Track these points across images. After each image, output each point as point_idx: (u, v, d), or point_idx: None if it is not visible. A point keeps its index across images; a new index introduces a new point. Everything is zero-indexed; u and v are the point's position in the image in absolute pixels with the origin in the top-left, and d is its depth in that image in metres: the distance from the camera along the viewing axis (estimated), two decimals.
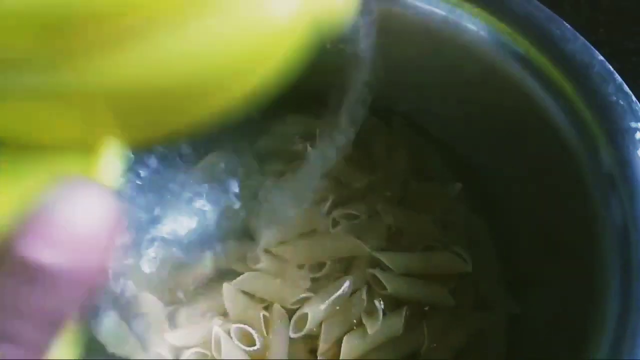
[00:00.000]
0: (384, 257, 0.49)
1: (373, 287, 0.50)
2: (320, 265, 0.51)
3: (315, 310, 0.48)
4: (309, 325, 0.47)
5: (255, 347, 0.47)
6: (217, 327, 0.46)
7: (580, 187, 0.43)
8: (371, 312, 0.49)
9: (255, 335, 0.48)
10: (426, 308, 0.51)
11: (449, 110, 0.55)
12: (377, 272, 0.49)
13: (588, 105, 0.42)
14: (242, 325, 0.48)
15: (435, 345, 0.49)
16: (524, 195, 0.53)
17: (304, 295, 0.49)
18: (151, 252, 0.49)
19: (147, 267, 0.50)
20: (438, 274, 0.51)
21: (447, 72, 0.51)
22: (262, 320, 0.48)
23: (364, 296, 0.49)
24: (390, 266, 0.49)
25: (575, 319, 0.43)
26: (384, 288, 0.49)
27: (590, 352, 0.38)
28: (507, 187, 0.54)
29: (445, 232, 0.53)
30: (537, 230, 0.52)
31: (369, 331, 0.47)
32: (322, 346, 0.47)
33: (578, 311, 0.43)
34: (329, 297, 0.49)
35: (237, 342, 0.47)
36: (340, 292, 0.49)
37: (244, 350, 0.47)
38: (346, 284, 0.49)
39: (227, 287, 0.49)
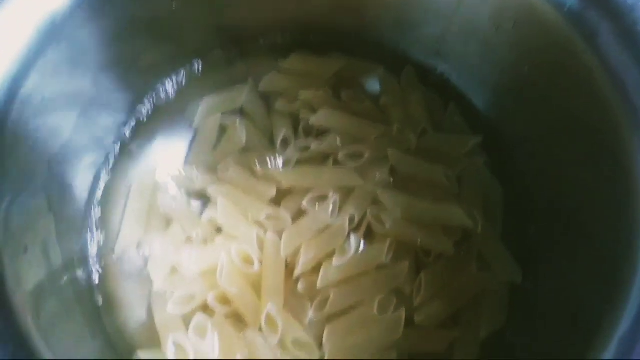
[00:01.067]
0: (384, 195, 0.46)
1: (372, 227, 0.47)
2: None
3: (292, 234, 0.46)
4: (284, 247, 0.45)
5: (254, 268, 0.45)
6: (223, 254, 0.44)
7: (613, 149, 0.39)
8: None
9: (254, 256, 0.45)
10: (428, 259, 0.47)
11: (470, 59, 0.51)
12: (377, 209, 0.46)
13: (626, 48, 0.39)
14: (241, 245, 0.45)
15: (432, 298, 0.45)
16: (546, 160, 0.49)
17: (271, 212, 0.46)
18: None
19: None
20: (442, 227, 0.48)
21: (471, 16, 0.48)
22: (255, 239, 0.46)
23: (347, 226, 0.46)
24: (389, 205, 0.46)
25: (586, 310, 0.39)
26: (384, 225, 0.45)
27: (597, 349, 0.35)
28: (529, 149, 0.51)
29: (459, 187, 0.50)
30: (557, 205, 0.48)
31: (336, 261, 0.44)
32: (298, 270, 0.44)
33: (590, 301, 0.40)
34: (310, 222, 0.46)
35: (238, 262, 0.44)
36: (320, 214, 0.46)
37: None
38: (330, 207, 0.46)
39: (221, 201, 0.46)
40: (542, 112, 0.47)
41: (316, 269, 0.45)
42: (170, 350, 0.41)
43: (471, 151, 0.51)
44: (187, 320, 0.43)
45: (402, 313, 0.44)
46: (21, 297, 0.30)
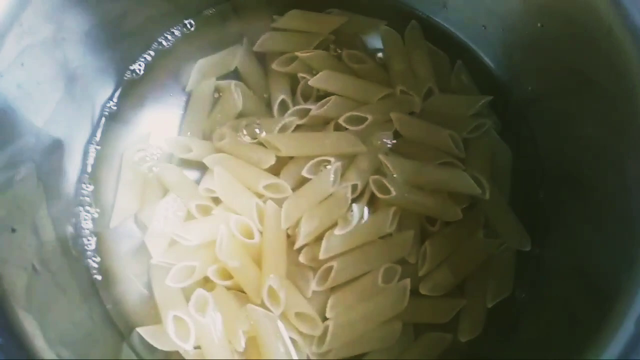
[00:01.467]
0: (388, 161, 0.44)
1: (376, 195, 0.45)
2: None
3: (293, 204, 0.44)
4: (284, 218, 0.43)
5: (254, 240, 0.43)
6: (222, 226, 0.42)
7: (627, 112, 0.37)
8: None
9: (254, 228, 0.44)
10: (434, 227, 0.45)
11: (479, 13, 0.48)
12: (381, 176, 0.44)
13: None
14: (240, 217, 0.44)
15: (437, 267, 0.44)
16: (557, 122, 0.47)
17: (272, 180, 0.45)
18: None
19: None
20: (448, 193, 0.46)
21: None
22: (255, 209, 0.44)
23: (349, 194, 0.44)
24: (394, 171, 0.44)
25: (599, 277, 0.38)
26: (389, 193, 0.44)
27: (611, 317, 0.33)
28: (539, 110, 0.49)
29: (466, 151, 0.48)
30: (567, 169, 0.46)
31: (339, 231, 0.43)
32: (300, 241, 0.43)
33: (602, 267, 0.38)
34: (311, 191, 0.44)
35: (237, 234, 0.43)
36: (322, 182, 0.44)
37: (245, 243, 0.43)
38: (332, 174, 0.44)
39: (218, 171, 0.44)
40: (555, 72, 0.45)
41: (319, 239, 0.44)
42: (170, 326, 0.40)
43: (479, 112, 0.49)
44: (187, 294, 0.42)
45: (407, 283, 0.43)
46: (10, 279, 0.29)
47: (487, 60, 0.51)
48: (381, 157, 0.45)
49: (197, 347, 0.41)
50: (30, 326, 0.29)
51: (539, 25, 0.43)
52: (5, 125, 0.34)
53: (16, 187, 0.34)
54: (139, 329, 0.41)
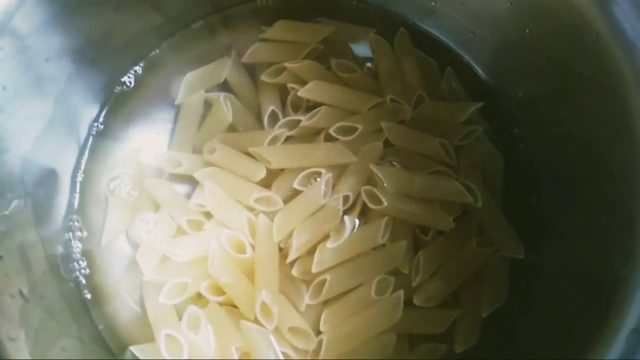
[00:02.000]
0: (379, 171, 0.44)
1: (368, 205, 0.44)
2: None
3: (284, 217, 0.44)
4: (276, 231, 0.43)
5: (246, 255, 0.43)
6: (214, 242, 0.42)
7: (619, 114, 0.36)
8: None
9: (246, 242, 0.43)
10: (427, 237, 0.45)
11: (468, 20, 0.48)
12: (372, 187, 0.44)
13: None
14: (232, 231, 0.43)
15: (431, 277, 0.44)
16: (549, 125, 0.46)
17: (263, 194, 0.44)
18: None
19: None
20: (440, 202, 0.46)
21: None
22: (246, 223, 0.44)
23: (341, 206, 0.44)
24: (385, 181, 0.44)
25: (593, 283, 0.38)
26: (380, 203, 0.44)
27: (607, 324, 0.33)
28: (530, 114, 0.48)
29: (458, 158, 0.47)
30: (560, 173, 0.46)
31: (331, 244, 0.42)
32: (292, 254, 0.43)
33: (596, 273, 0.38)
34: (302, 203, 0.44)
35: (229, 249, 0.43)
36: (313, 194, 0.44)
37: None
38: (323, 186, 0.44)
39: (208, 185, 0.44)
40: (544, 76, 0.44)
41: (311, 252, 0.43)
42: (163, 344, 0.40)
43: (470, 119, 0.49)
44: (180, 310, 0.42)
45: (401, 294, 0.42)
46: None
47: (476, 66, 0.51)
48: (372, 167, 0.44)
49: None
50: (21, 354, 0.29)
51: (527, 31, 0.42)
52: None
53: (3, 213, 0.34)
54: (132, 348, 0.41)
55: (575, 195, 0.44)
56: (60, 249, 0.42)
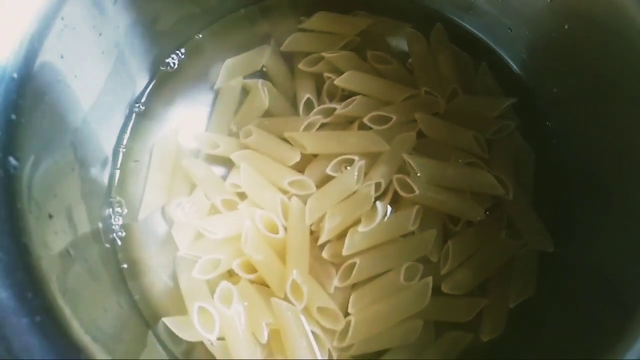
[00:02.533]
0: (412, 160, 0.45)
1: (399, 193, 0.45)
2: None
3: (317, 201, 0.44)
4: (309, 214, 0.44)
5: (278, 235, 0.44)
6: (248, 221, 0.43)
7: None
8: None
9: (279, 223, 0.44)
10: (456, 227, 0.46)
11: (504, 16, 0.48)
12: (404, 175, 0.45)
13: None
14: (265, 212, 0.44)
15: (459, 266, 0.45)
16: (580, 124, 0.47)
17: (296, 177, 0.46)
18: None
19: None
20: (472, 193, 0.46)
21: None
22: (279, 205, 0.45)
23: (373, 192, 0.44)
24: (417, 170, 0.44)
25: (621, 279, 0.38)
26: (412, 192, 0.44)
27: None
28: (563, 112, 0.49)
29: (490, 152, 0.48)
30: (590, 170, 0.46)
31: (362, 228, 0.43)
32: (323, 237, 0.43)
33: (625, 269, 0.38)
34: (335, 188, 0.45)
35: (262, 229, 0.44)
36: (346, 180, 0.45)
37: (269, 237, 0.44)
38: (356, 172, 0.45)
39: (244, 167, 0.45)
40: (580, 74, 0.45)
41: (342, 235, 0.44)
42: (195, 317, 0.41)
43: (503, 114, 0.49)
44: (212, 286, 0.43)
45: (429, 281, 0.43)
46: (47, 264, 0.30)
47: (511, 62, 0.51)
48: (405, 156, 0.45)
49: (220, 339, 0.42)
50: (65, 308, 0.30)
51: (565, 27, 0.43)
52: (44, 112, 0.35)
53: (54, 174, 0.35)
54: (164, 319, 0.42)
55: (605, 193, 0.44)
56: (100, 220, 0.44)
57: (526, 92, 0.50)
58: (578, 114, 0.47)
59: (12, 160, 0.30)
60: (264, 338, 0.41)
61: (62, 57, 0.36)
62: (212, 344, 0.42)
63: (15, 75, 0.32)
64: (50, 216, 0.33)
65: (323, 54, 0.50)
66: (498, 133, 0.49)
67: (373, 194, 0.45)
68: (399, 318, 0.43)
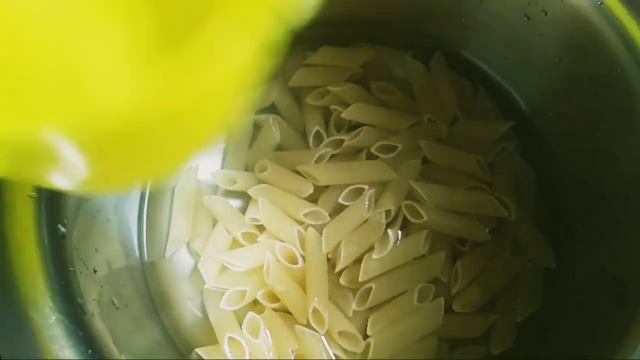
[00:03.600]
0: (419, 187, 0.48)
1: (408, 219, 0.48)
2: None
3: (332, 230, 0.47)
4: (325, 243, 0.47)
5: (298, 266, 0.47)
6: (268, 253, 0.46)
7: None
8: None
9: (297, 254, 0.47)
10: (464, 248, 0.49)
11: (499, 48, 0.52)
12: (412, 202, 0.48)
13: None
14: (284, 244, 0.47)
15: (468, 285, 0.47)
16: (579, 140, 0.50)
17: (311, 208, 0.48)
18: None
19: None
20: (477, 215, 0.49)
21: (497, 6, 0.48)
22: (297, 236, 0.48)
23: (384, 220, 0.47)
24: (424, 196, 0.47)
25: (625, 290, 0.41)
26: (420, 217, 0.47)
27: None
28: (561, 129, 0.51)
29: (492, 174, 0.51)
30: (592, 186, 0.49)
31: (376, 255, 0.46)
32: (340, 264, 0.46)
33: (629, 280, 0.41)
34: (348, 217, 0.48)
35: (282, 260, 0.47)
36: (357, 209, 0.48)
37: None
38: (366, 202, 0.48)
39: (261, 201, 0.48)
40: (574, 97, 0.48)
41: (357, 262, 0.47)
42: (226, 347, 0.44)
43: (502, 136, 0.52)
44: (239, 316, 0.46)
45: (442, 301, 0.46)
46: (98, 318, 0.33)
47: (508, 87, 0.54)
48: (412, 183, 0.48)
49: None
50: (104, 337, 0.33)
51: (557, 60, 0.46)
52: None
53: (93, 230, 0.38)
54: (197, 350, 0.45)
55: (604, 205, 0.47)
56: (134, 262, 0.47)
57: (523, 114, 0.53)
58: (574, 133, 0.50)
59: (60, 227, 0.33)
60: None
61: None
62: None
63: None
64: (95, 271, 0.36)
65: (329, 87, 0.53)
66: (499, 155, 0.51)
67: (384, 222, 0.48)
68: (415, 337, 0.46)
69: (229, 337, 0.44)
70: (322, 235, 0.48)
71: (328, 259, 0.48)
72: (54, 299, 0.31)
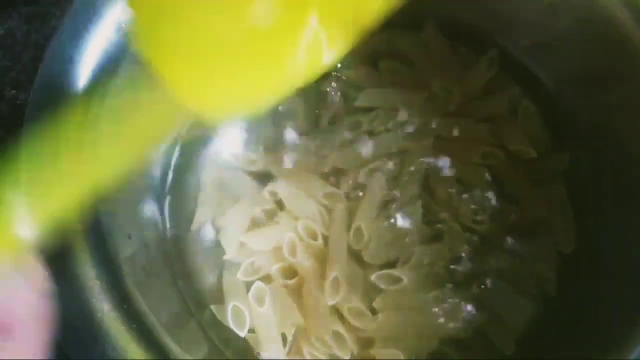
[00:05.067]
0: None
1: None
2: None
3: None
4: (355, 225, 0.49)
5: (318, 242, 0.49)
6: (290, 233, 0.48)
7: None
8: None
9: (318, 230, 0.49)
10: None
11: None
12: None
13: None
14: (307, 221, 0.49)
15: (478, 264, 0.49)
16: (589, 110, 0.50)
17: (330, 190, 0.51)
18: None
19: None
20: None
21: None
22: (318, 213, 0.50)
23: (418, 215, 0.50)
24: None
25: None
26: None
27: None
28: (572, 101, 0.52)
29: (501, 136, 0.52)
30: (608, 160, 0.48)
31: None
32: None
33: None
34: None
35: (305, 235, 0.49)
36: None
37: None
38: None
39: (282, 181, 0.51)
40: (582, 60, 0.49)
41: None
42: (229, 314, 0.46)
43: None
44: (250, 287, 0.48)
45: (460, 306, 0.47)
46: (132, 279, 0.37)
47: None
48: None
49: (251, 332, 0.47)
50: (150, 315, 0.37)
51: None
52: None
53: (131, 203, 0.42)
54: (212, 307, 0.48)
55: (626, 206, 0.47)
56: (163, 233, 0.50)
57: (542, 89, 0.54)
58: (590, 91, 0.50)
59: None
60: (291, 333, 0.47)
61: None
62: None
63: None
64: (130, 237, 0.40)
65: (339, 74, 0.55)
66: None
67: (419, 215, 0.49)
68: (419, 333, 0.47)
69: (234, 306, 0.47)
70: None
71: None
72: (93, 256, 0.35)
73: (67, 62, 0.37)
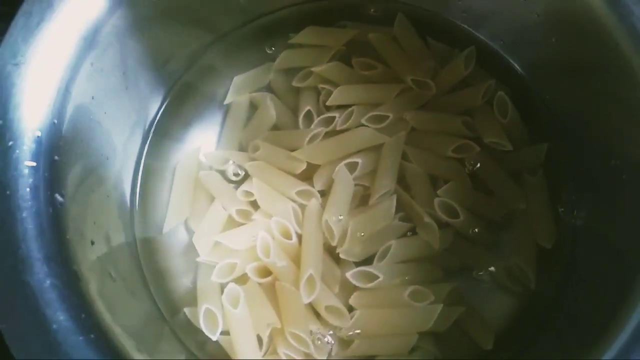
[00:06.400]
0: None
1: None
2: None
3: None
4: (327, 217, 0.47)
5: (292, 241, 0.48)
6: (262, 232, 0.47)
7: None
8: None
9: (292, 228, 0.48)
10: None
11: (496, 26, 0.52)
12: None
13: None
14: (279, 219, 0.48)
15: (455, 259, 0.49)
16: (565, 101, 0.50)
17: (303, 187, 0.49)
18: None
19: None
20: None
21: None
22: (291, 212, 0.49)
23: (392, 210, 0.48)
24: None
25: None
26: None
27: None
28: (548, 92, 0.52)
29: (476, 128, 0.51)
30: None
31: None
32: (345, 244, 0.47)
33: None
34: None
35: (277, 235, 0.48)
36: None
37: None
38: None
39: (256, 181, 0.50)
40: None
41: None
42: (201, 317, 0.45)
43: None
44: (224, 288, 0.47)
45: (438, 309, 0.45)
46: (93, 286, 0.36)
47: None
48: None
49: (225, 334, 0.46)
50: (114, 326, 0.36)
51: (553, 40, 0.47)
52: (77, 149, 0.40)
53: (93, 204, 0.41)
54: (186, 309, 0.47)
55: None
56: (131, 237, 0.49)
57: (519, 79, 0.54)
58: (565, 81, 0.50)
59: (58, 197, 0.35)
60: (266, 335, 0.45)
61: (92, 98, 0.41)
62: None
63: (55, 120, 0.37)
64: (92, 242, 0.39)
65: (312, 69, 0.53)
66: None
67: (393, 210, 0.48)
68: (397, 330, 0.46)
69: (206, 308, 0.46)
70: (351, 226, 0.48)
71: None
72: (48, 264, 0.33)
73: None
